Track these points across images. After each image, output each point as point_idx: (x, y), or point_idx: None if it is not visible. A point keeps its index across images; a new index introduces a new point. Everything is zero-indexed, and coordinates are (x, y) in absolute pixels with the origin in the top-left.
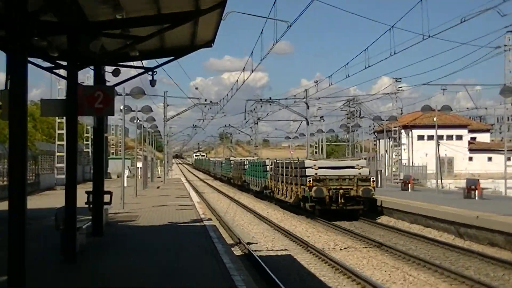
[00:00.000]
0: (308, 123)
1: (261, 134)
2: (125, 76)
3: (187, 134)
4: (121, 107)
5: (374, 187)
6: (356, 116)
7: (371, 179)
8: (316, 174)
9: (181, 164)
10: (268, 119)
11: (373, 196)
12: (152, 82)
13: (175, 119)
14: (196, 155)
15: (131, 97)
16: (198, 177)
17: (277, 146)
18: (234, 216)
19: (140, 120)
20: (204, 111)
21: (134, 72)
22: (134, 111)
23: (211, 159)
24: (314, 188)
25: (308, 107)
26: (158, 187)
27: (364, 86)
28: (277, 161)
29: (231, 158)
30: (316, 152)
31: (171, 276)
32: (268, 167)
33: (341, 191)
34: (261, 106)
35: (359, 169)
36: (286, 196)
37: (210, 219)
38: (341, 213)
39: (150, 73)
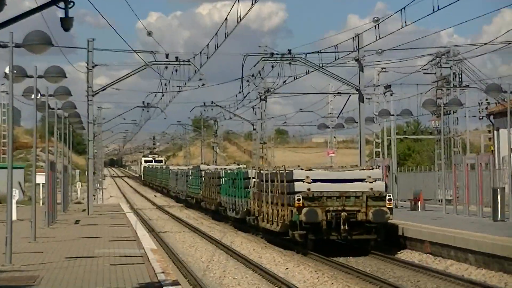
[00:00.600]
0: (362, 99)
1: (273, 120)
2: (12, 11)
3: (133, 122)
4: (6, 70)
5: (391, 208)
6: (455, 85)
7: (387, 197)
8: (308, 189)
9: (121, 177)
10: (285, 91)
11: (390, 221)
12: (66, 22)
13: (110, 92)
14: (146, 160)
15: (27, 51)
16: (151, 201)
17: (304, 142)
18: (223, 277)
19: (42, 95)
20: (165, 76)
21: (30, 3)
22: (30, 77)
23: (170, 167)
24: (305, 209)
25: (362, 68)
26: (77, 222)
27: (471, 27)
28: (262, 171)
29: (202, 167)
30: (378, 155)
31: None
32: (251, 180)
33: (343, 214)
34: (272, 67)
35: (371, 182)
36: (272, 223)
37: (176, 284)
38: (345, 244)
39: (61, 4)
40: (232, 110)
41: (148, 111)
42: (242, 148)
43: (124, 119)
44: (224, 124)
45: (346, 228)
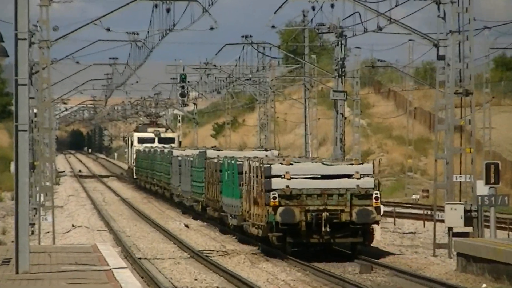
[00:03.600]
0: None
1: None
2: None
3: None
4: None
5: (378, 208)
6: None
7: (374, 195)
8: (287, 186)
9: (98, 177)
10: None
11: (376, 220)
12: None
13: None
14: (142, 139)
15: None
16: (174, 238)
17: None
18: None
19: None
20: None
21: None
22: None
23: (175, 152)
24: (281, 209)
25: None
26: None
27: None
28: (251, 163)
29: (209, 152)
30: None
31: None
32: (244, 175)
33: (325, 214)
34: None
35: (358, 178)
36: (257, 228)
37: None
38: (329, 247)
39: None
40: None
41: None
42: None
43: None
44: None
45: (328, 230)
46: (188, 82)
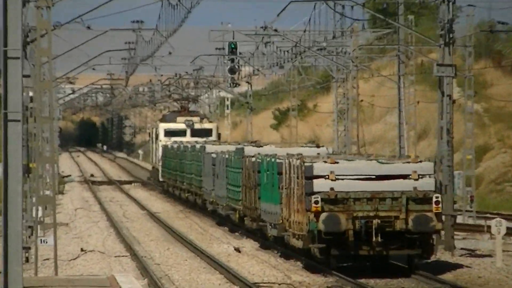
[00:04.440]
0: None
1: None
2: None
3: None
4: None
5: (439, 214)
6: None
7: (434, 199)
8: (331, 189)
9: (116, 183)
10: None
11: (437, 229)
12: None
13: None
14: (169, 131)
15: None
16: (190, 246)
17: None
18: None
19: None
20: None
21: None
22: None
23: (208, 148)
24: (324, 215)
25: None
26: None
27: None
28: (291, 161)
29: (247, 148)
30: None
31: None
32: (284, 176)
33: (376, 221)
34: None
35: (416, 179)
36: (296, 236)
37: None
38: (380, 261)
39: None
40: None
41: None
42: None
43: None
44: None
45: (380, 240)
46: (240, 53)
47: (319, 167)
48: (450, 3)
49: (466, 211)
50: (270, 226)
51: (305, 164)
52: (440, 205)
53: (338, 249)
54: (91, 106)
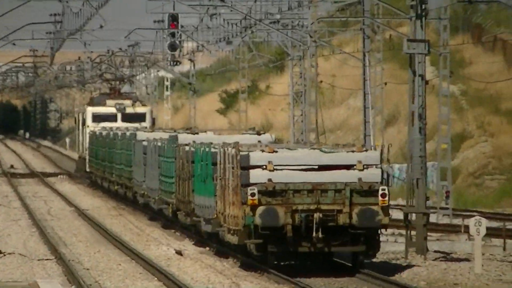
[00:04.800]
0: None
1: None
2: None
3: None
4: None
5: (385, 207)
6: None
7: (380, 191)
8: (269, 180)
9: (37, 174)
10: None
11: (383, 224)
12: None
13: None
14: (97, 115)
15: None
16: (124, 248)
17: None
18: None
19: None
20: None
21: None
22: None
23: (139, 135)
24: (261, 208)
25: None
26: None
27: None
28: (226, 149)
29: (181, 136)
30: None
31: None
32: (218, 166)
33: (317, 215)
34: None
35: (361, 170)
36: (231, 232)
37: None
38: (322, 258)
39: None
40: None
41: None
42: None
43: None
44: None
45: (321, 235)
46: (182, 27)
47: (256, 157)
48: None
49: (441, 208)
50: (204, 222)
51: (241, 153)
52: (386, 198)
53: (276, 245)
54: (11, 87)
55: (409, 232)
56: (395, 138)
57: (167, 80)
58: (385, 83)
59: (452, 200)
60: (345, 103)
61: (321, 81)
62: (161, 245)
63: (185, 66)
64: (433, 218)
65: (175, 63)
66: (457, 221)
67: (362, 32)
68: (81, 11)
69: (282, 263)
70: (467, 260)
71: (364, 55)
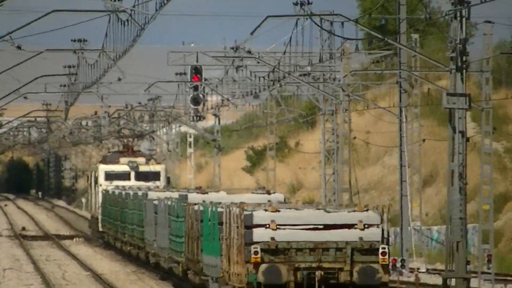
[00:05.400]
0: None
1: None
2: None
3: None
4: None
5: (385, 265)
6: None
7: (381, 249)
8: (272, 239)
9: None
10: None
11: (383, 281)
12: None
13: None
14: (110, 174)
15: None
16: None
17: None
18: None
19: None
20: None
21: None
22: None
23: (150, 194)
24: (263, 266)
25: None
26: None
27: None
28: (229, 206)
29: (190, 195)
30: None
31: None
32: (224, 226)
33: (319, 273)
34: None
35: (362, 229)
36: None
37: None
38: None
39: None
40: None
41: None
42: None
43: None
44: None
45: None
46: (206, 80)
47: (259, 216)
48: (463, 19)
49: (482, 273)
50: (211, 281)
51: (245, 212)
52: (386, 256)
53: None
54: (22, 143)
55: None
56: (434, 198)
57: (190, 136)
58: (423, 140)
59: (494, 265)
60: (380, 161)
61: (355, 138)
62: None
63: (209, 122)
64: (474, 284)
65: (198, 118)
66: (499, 286)
67: (398, 86)
68: (97, 62)
69: None
70: None
71: (401, 110)
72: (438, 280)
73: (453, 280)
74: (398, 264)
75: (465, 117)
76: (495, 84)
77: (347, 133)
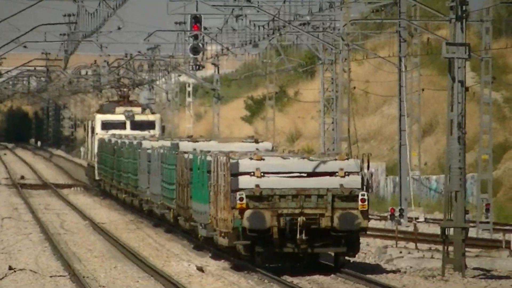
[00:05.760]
0: None
1: None
2: None
3: None
4: None
5: (365, 211)
6: None
7: (360, 196)
8: (257, 186)
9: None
10: None
11: (362, 227)
12: None
13: None
14: (106, 123)
15: None
16: (142, 264)
17: None
18: None
19: None
20: None
21: None
22: None
23: (144, 143)
24: (248, 212)
25: None
26: None
27: None
28: (218, 157)
29: (182, 143)
30: None
31: None
32: (212, 174)
33: (301, 218)
34: None
35: (342, 177)
36: (222, 235)
37: None
38: (307, 258)
39: None
40: None
41: None
42: None
43: None
44: None
45: (305, 237)
46: (205, 29)
47: (245, 164)
48: None
49: (481, 222)
50: (200, 227)
51: (231, 161)
52: (366, 203)
53: (263, 246)
54: (21, 92)
55: (446, 247)
56: (433, 148)
57: (189, 86)
58: (423, 90)
59: (493, 214)
60: (380, 110)
61: (354, 87)
62: (182, 261)
63: (209, 71)
64: (472, 233)
65: (197, 67)
66: (497, 236)
67: (398, 35)
68: (97, 11)
69: (271, 265)
70: (508, 277)
71: (400, 60)
72: (436, 230)
73: (452, 229)
74: (397, 214)
75: (465, 67)
76: (495, 33)
77: (346, 83)
